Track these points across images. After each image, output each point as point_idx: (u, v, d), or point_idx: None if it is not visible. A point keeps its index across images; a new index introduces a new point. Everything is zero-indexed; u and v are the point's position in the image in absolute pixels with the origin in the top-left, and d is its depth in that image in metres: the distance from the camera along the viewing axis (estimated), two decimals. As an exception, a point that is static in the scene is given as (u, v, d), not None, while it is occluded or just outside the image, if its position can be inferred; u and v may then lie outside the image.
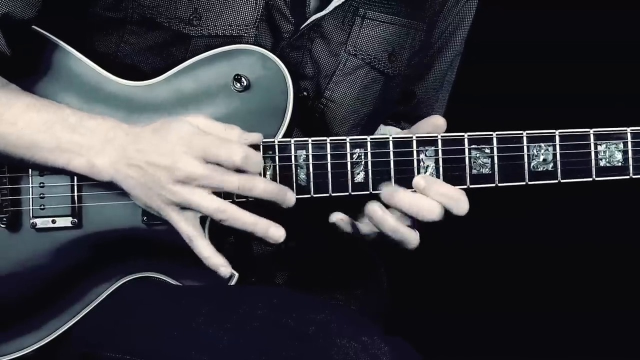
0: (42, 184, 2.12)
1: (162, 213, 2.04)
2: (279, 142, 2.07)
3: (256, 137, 2.05)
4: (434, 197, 2.02)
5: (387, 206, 2.03)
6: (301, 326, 1.95)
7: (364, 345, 1.91)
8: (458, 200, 2.03)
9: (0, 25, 2.07)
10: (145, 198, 2.03)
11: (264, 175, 2.07)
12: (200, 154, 1.99)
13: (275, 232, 2.03)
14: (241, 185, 2.01)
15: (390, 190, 2.03)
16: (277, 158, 2.06)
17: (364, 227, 2.08)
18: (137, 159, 2.01)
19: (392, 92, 2.35)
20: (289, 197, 2.05)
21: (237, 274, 2.11)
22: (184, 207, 2.02)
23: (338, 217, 2.08)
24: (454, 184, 2.05)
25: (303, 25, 2.21)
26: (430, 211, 2.02)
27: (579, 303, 3.55)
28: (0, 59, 2.09)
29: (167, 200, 2.01)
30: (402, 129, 2.43)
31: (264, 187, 2.02)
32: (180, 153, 1.99)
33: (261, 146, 2.06)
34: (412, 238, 2.05)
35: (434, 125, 2.08)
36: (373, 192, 2.06)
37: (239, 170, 2.01)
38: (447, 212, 2.04)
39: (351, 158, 2.07)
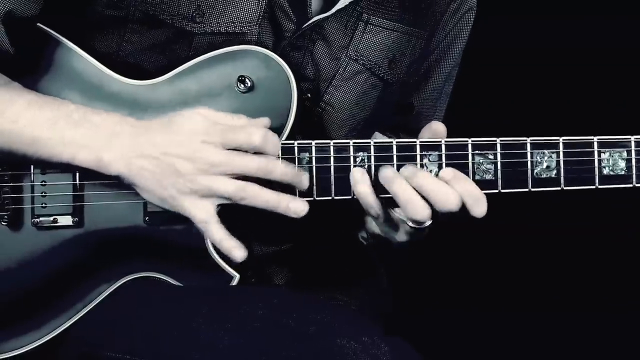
0: (43, 182, 2.11)
1: (176, 202, 2.02)
2: (282, 144, 2.07)
3: (265, 121, 2.05)
4: (458, 190, 2.02)
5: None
6: (301, 326, 1.96)
7: (364, 346, 1.92)
8: (480, 201, 2.03)
9: (3, 23, 2.06)
10: (159, 189, 2.02)
11: None
12: (219, 141, 2.00)
13: (298, 206, 2.03)
14: (261, 166, 2.01)
15: (414, 170, 2.03)
16: (281, 161, 2.06)
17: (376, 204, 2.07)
18: (151, 151, 2.00)
19: (389, 99, 2.35)
20: (304, 180, 2.05)
21: (237, 275, 2.11)
22: (202, 195, 2.01)
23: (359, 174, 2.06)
24: None
25: (305, 25, 2.20)
26: (448, 199, 2.01)
27: (579, 303, 3.55)
28: (4, 56, 2.09)
29: (184, 189, 2.00)
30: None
31: (283, 169, 2.03)
32: (198, 142, 1.99)
33: None
34: (420, 206, 2.02)
35: (434, 131, 2.08)
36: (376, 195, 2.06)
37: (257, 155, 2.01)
38: (464, 211, 2.04)
39: (355, 161, 2.07)
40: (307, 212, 2.03)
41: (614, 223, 3.42)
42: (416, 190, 2.02)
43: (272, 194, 2.02)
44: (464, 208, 2.03)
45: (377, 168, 2.06)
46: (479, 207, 2.03)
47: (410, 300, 3.28)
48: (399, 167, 2.06)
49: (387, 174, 2.03)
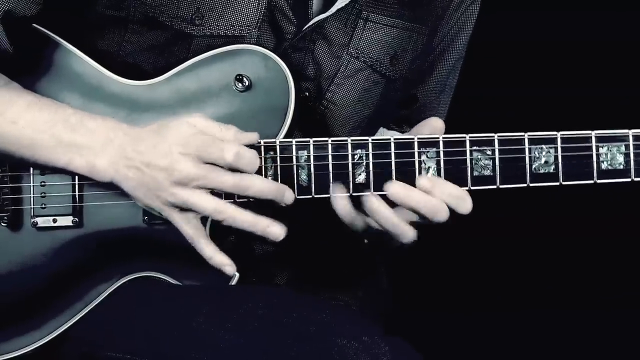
0: (43, 183, 2.11)
1: (164, 214, 2.04)
2: (280, 142, 2.07)
3: (252, 137, 2.04)
4: (439, 197, 2.02)
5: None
6: (302, 326, 1.96)
7: (365, 345, 1.92)
8: (463, 200, 2.03)
9: (2, 22, 2.07)
10: (146, 199, 2.03)
11: (265, 176, 2.07)
12: (195, 154, 1.99)
13: (275, 231, 2.02)
14: (236, 184, 2.00)
15: (403, 188, 2.03)
16: (278, 158, 2.06)
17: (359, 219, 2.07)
18: (135, 160, 2.01)
19: (392, 95, 2.35)
20: (287, 196, 2.04)
21: (237, 274, 2.11)
22: (183, 209, 2.02)
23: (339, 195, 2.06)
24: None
25: (305, 27, 2.21)
26: (440, 212, 2.02)
27: (579, 303, 3.55)
28: (3, 56, 2.09)
29: (166, 202, 2.01)
30: (404, 133, 2.43)
31: (260, 186, 2.02)
32: (176, 154, 1.99)
33: (262, 147, 2.06)
34: (406, 230, 2.03)
35: (433, 127, 2.08)
36: (374, 192, 2.06)
37: (238, 170, 2.01)
38: (452, 212, 2.04)
39: (352, 159, 2.07)
40: (284, 236, 2.02)
41: (612, 218, 3.42)
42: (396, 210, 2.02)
43: (251, 217, 2.01)
44: (450, 210, 2.03)
45: (375, 165, 2.06)
46: (464, 205, 2.04)
47: (410, 301, 3.28)
48: (397, 164, 2.06)
49: (371, 205, 2.02)
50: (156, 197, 2.01)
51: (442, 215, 2.02)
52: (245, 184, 2.01)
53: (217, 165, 2.00)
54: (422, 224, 2.05)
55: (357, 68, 2.27)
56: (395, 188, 2.03)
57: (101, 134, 2.03)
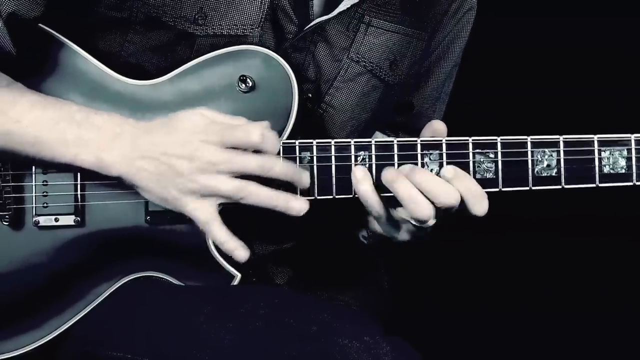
0: (45, 182, 2.11)
1: (178, 203, 2.03)
2: (283, 143, 2.07)
3: (264, 124, 2.04)
4: (458, 187, 2.01)
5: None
6: (303, 326, 1.96)
7: (366, 345, 1.92)
8: (481, 199, 2.03)
9: (6, 24, 2.07)
10: (160, 189, 2.02)
11: None
12: (218, 140, 1.99)
13: (297, 205, 2.03)
14: (260, 164, 2.00)
15: (411, 167, 2.03)
16: (281, 159, 2.06)
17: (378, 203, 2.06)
18: (151, 151, 2.01)
19: (390, 100, 2.35)
20: (304, 178, 2.05)
21: (239, 274, 2.12)
22: (203, 195, 2.01)
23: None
24: None
25: (306, 27, 2.21)
26: (448, 195, 2.01)
27: (579, 304, 3.56)
28: (6, 57, 2.09)
29: (185, 189, 2.00)
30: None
31: (283, 166, 2.03)
32: (197, 142, 1.99)
33: None
34: (423, 204, 2.01)
35: (435, 130, 2.08)
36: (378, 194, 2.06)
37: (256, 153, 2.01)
38: (465, 210, 2.04)
39: (355, 160, 2.07)
40: (307, 210, 2.03)
41: (614, 221, 3.42)
42: (418, 189, 2.02)
43: (272, 192, 2.02)
44: (464, 206, 2.03)
45: (378, 167, 2.06)
46: (480, 205, 2.03)
47: (410, 300, 3.28)
48: (400, 166, 2.06)
49: (389, 174, 2.03)
50: (172, 186, 2.01)
51: (449, 199, 2.00)
52: (270, 164, 2.01)
53: (239, 149, 2.00)
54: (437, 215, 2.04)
55: (357, 72, 2.27)
56: (409, 166, 2.03)
57: (108, 129, 2.03)
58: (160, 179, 2.01)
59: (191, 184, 2.00)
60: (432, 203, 2.01)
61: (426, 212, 2.02)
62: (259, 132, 2.00)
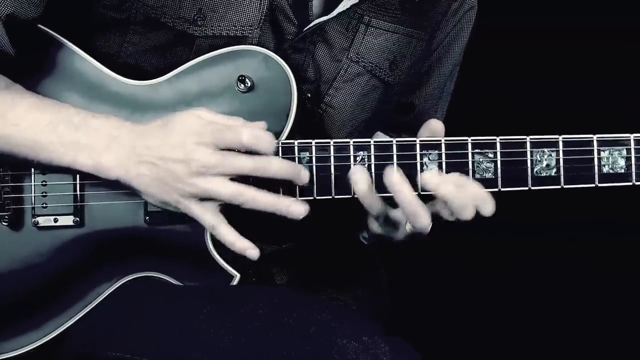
0: (44, 183, 2.12)
1: (181, 206, 2.03)
2: (282, 143, 2.07)
3: (260, 125, 2.04)
4: (466, 196, 2.01)
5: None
6: (302, 326, 1.96)
7: (365, 345, 1.92)
8: (486, 201, 2.03)
9: (4, 25, 2.07)
10: (161, 194, 2.02)
11: None
12: (211, 142, 1.99)
13: (297, 209, 2.03)
14: (256, 166, 2.00)
15: (440, 178, 2.01)
16: (277, 158, 2.06)
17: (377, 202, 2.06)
18: (148, 156, 2.01)
19: (389, 100, 2.35)
20: (303, 175, 2.05)
21: (238, 274, 2.12)
22: (203, 198, 2.01)
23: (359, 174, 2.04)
24: None
25: (306, 28, 2.21)
26: (468, 210, 2.01)
27: (580, 304, 3.55)
28: (5, 58, 2.09)
29: (185, 193, 2.01)
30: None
31: (280, 165, 2.03)
32: (191, 144, 1.99)
33: None
34: (422, 213, 2.01)
35: (433, 129, 2.08)
36: (376, 194, 2.06)
37: (254, 153, 2.01)
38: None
39: (354, 160, 2.07)
40: (306, 214, 2.03)
41: (613, 221, 3.42)
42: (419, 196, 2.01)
43: (270, 197, 2.02)
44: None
45: (377, 167, 2.06)
46: (487, 207, 2.03)
47: (410, 301, 3.28)
48: (399, 166, 2.06)
49: (393, 178, 2.02)
50: (173, 191, 2.01)
51: (469, 214, 2.01)
52: (264, 164, 2.01)
53: (233, 151, 2.00)
54: (444, 220, 2.04)
55: (357, 73, 2.27)
56: (430, 175, 2.02)
57: (105, 132, 2.03)
58: (161, 184, 2.01)
59: (190, 188, 2.00)
60: (451, 212, 2.01)
61: (425, 222, 2.02)
62: (249, 132, 1.99)
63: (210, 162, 1.99)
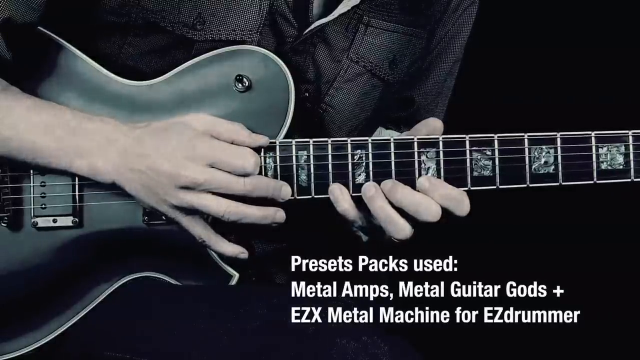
0: (43, 184, 2.12)
1: (170, 215, 2.05)
2: (280, 142, 2.07)
3: (264, 140, 2.06)
4: (436, 199, 2.02)
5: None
6: (301, 326, 1.96)
7: (364, 345, 1.92)
8: (460, 202, 2.03)
9: (2, 29, 2.07)
10: (151, 201, 2.03)
11: (265, 176, 2.07)
12: (205, 161, 2.00)
13: (281, 214, 2.06)
14: (248, 188, 2.02)
15: (392, 184, 2.03)
16: (278, 158, 2.07)
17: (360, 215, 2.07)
18: (138, 164, 2.01)
19: (389, 98, 2.35)
20: (284, 191, 2.06)
21: (237, 274, 2.12)
22: (189, 212, 2.02)
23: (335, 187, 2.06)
24: (455, 185, 2.05)
25: (306, 31, 2.21)
26: (429, 211, 2.01)
27: (580, 304, 3.54)
28: (1, 61, 2.09)
29: (172, 205, 2.02)
30: (402, 133, 2.43)
31: (267, 185, 2.04)
32: (182, 159, 1.99)
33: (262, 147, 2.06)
34: (400, 224, 2.03)
35: (431, 128, 2.08)
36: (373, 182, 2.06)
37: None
38: (449, 213, 2.04)
39: (352, 159, 2.07)
40: (284, 218, 2.06)
41: (612, 218, 3.42)
42: (395, 207, 2.02)
43: (258, 210, 2.04)
44: (447, 212, 2.03)
45: (374, 165, 2.06)
46: (461, 208, 2.03)
47: (410, 300, 3.28)
48: (396, 164, 2.06)
49: (368, 191, 2.04)
50: (162, 201, 2.02)
51: (430, 216, 2.01)
52: (254, 184, 2.03)
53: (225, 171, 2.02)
54: (415, 223, 2.05)
55: (357, 72, 2.27)
56: (388, 184, 2.03)
57: (101, 136, 2.04)
58: (150, 193, 2.03)
59: (176, 201, 2.01)
60: (415, 219, 2.02)
61: (403, 233, 2.03)
62: (255, 164, 2.01)
63: (199, 180, 1.99)
